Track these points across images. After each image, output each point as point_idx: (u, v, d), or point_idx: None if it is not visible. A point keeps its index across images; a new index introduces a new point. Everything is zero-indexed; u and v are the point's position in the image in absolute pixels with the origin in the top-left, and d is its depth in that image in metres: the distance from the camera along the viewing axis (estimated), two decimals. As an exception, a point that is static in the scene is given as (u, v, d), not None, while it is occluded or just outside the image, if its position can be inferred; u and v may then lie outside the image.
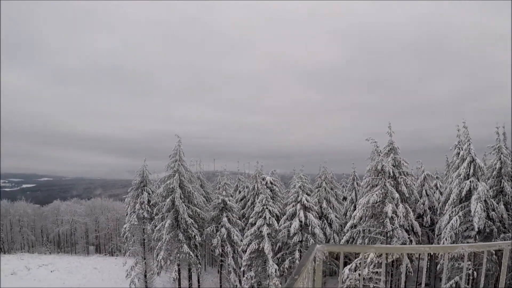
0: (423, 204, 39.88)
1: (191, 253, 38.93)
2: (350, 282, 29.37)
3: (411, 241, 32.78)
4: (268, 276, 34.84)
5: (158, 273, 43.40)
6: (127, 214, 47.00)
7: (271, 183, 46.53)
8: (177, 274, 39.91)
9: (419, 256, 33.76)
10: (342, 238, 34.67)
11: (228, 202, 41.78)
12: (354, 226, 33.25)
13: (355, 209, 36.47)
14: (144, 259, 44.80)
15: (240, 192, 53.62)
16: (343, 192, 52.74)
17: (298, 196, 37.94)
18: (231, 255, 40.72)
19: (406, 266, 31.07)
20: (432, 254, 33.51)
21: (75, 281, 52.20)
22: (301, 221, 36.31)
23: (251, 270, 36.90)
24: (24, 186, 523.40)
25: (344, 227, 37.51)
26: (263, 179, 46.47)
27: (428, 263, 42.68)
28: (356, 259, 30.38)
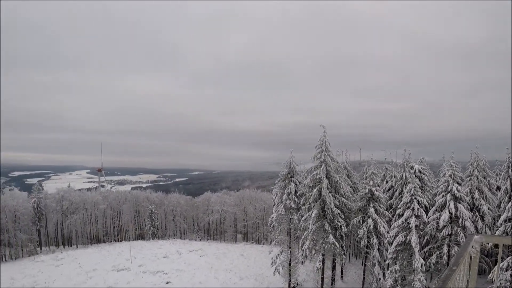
0: None
1: (336, 243, 40.53)
2: (500, 283, 28.77)
3: None
4: (413, 271, 34.78)
5: (302, 262, 45.96)
6: (274, 204, 49.75)
7: (420, 171, 45.99)
8: (321, 264, 42.05)
9: None
10: (495, 233, 33.77)
11: (375, 192, 42.56)
12: (508, 219, 32.27)
13: (510, 201, 35.28)
14: (290, 248, 47.46)
15: (387, 181, 53.63)
16: (496, 181, 49.66)
17: (448, 186, 37.35)
18: (377, 247, 41.54)
19: None
20: None
21: (222, 266, 57.17)
22: (451, 213, 35.85)
23: (395, 264, 37.05)
24: (177, 180, 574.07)
25: (497, 220, 36.44)
26: (411, 167, 46.23)
27: None
28: (509, 257, 29.82)
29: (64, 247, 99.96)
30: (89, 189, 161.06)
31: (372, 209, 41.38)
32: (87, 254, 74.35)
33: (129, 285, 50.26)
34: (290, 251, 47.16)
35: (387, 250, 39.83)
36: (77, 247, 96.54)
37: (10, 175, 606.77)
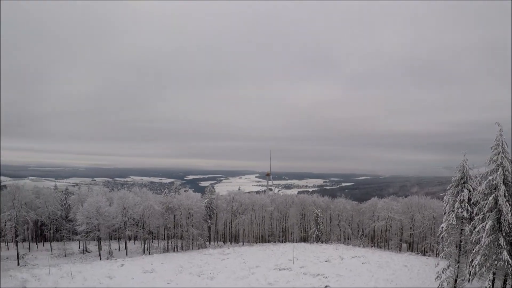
0: None
1: (510, 261, 37.07)
2: None
3: None
4: None
5: (469, 279, 42.61)
6: (445, 213, 46.79)
7: None
8: (490, 283, 38.25)
9: None
10: None
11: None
12: None
13: None
14: (458, 262, 44.16)
15: None
16: None
17: None
18: (559, 269, 37.30)
19: None
20: None
21: (384, 275, 55.08)
22: None
23: None
24: (343, 184, 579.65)
25: None
26: None
27: None
28: None
29: (230, 244, 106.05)
30: (257, 192, 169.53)
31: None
32: (252, 252, 77.49)
33: (288, 284, 50.90)
34: (458, 266, 43.89)
35: None
36: (243, 245, 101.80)
37: (185, 178, 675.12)
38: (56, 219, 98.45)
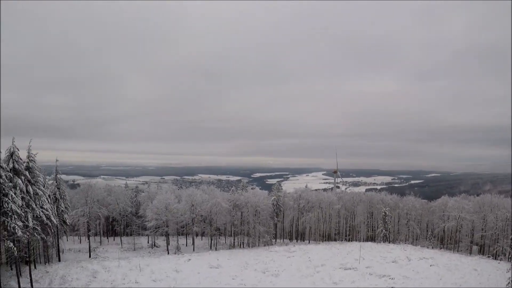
0: None
1: None
2: None
3: None
4: None
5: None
6: (518, 213, 45.33)
7: None
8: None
9: None
10: None
11: None
12: None
13: None
14: (529, 268, 42.81)
15: None
16: None
17: None
18: None
19: None
20: None
21: (452, 279, 53.54)
22: None
23: None
24: (412, 182, 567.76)
25: None
26: None
27: None
28: None
29: (296, 241, 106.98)
30: (325, 190, 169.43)
31: None
32: (317, 250, 77.70)
33: (353, 284, 50.88)
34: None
35: None
36: (309, 243, 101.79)
37: (252, 176, 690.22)
38: (126, 215, 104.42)
